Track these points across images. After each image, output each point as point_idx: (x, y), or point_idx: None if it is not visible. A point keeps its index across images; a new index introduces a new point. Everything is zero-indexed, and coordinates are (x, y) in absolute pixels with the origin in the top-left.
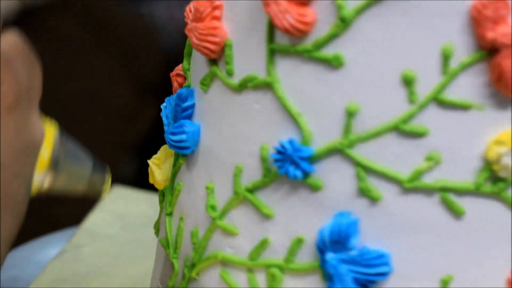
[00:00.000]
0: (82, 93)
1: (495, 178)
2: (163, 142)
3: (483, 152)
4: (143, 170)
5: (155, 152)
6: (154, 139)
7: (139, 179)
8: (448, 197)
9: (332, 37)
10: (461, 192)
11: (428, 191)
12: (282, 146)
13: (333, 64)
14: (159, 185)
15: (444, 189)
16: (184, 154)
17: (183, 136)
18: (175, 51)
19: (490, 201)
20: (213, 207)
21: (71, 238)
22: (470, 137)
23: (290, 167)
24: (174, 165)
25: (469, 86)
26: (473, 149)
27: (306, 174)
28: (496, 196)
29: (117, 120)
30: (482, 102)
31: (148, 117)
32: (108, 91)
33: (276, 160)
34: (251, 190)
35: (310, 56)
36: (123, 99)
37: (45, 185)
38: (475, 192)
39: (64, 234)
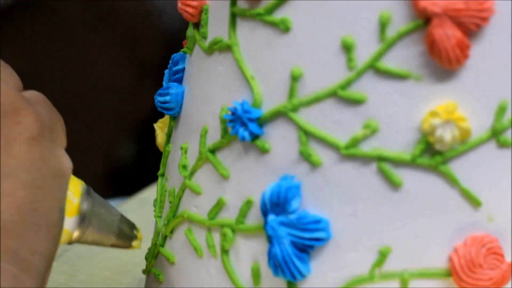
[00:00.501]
0: (83, 75)
1: (432, 151)
2: None
3: (419, 123)
4: (142, 152)
5: (154, 135)
6: (154, 122)
7: (138, 160)
8: (384, 166)
9: (281, 2)
10: (397, 162)
11: (365, 159)
12: (234, 108)
13: (281, 28)
14: (161, 148)
15: (380, 158)
16: (173, 116)
17: (167, 98)
18: (176, 33)
19: (428, 174)
20: (184, 167)
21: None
22: (408, 107)
23: (240, 128)
24: (168, 127)
25: (406, 56)
26: (410, 120)
27: (254, 136)
28: (433, 169)
29: (117, 102)
30: (419, 72)
31: (148, 99)
32: (108, 73)
33: (229, 121)
34: (212, 151)
35: (262, 20)
36: (123, 81)
37: (75, 234)
38: (412, 163)
39: None
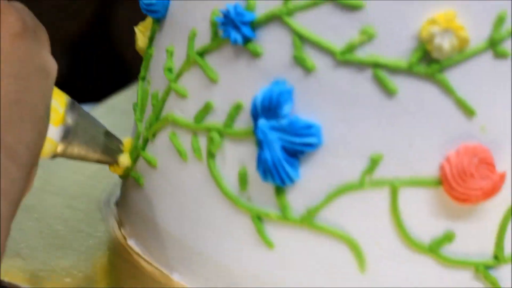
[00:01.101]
0: None
1: (429, 59)
2: (101, 42)
3: (417, 31)
4: (74, 67)
5: (89, 51)
6: (91, 38)
7: (69, 75)
8: (380, 73)
9: None
10: (393, 70)
11: (360, 65)
12: (227, 10)
13: None
14: (141, 51)
15: (376, 65)
16: (156, 19)
17: (153, 0)
18: None
19: (423, 82)
20: (170, 70)
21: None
22: (406, 14)
23: (232, 31)
24: (150, 30)
25: None
26: (408, 28)
27: (246, 39)
28: (430, 77)
29: (57, 14)
30: None
31: (89, 14)
32: None
33: (221, 24)
34: (201, 54)
35: None
36: None
37: (60, 147)
38: (408, 71)
39: None
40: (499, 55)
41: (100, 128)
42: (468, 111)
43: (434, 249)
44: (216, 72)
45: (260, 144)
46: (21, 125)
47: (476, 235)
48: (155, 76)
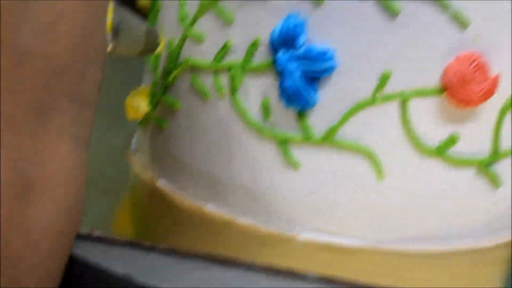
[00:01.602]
0: None
1: None
2: None
3: None
4: None
5: None
6: None
7: None
8: None
9: None
10: None
11: None
12: None
13: None
14: (145, 7)
15: None
16: None
17: None
18: None
19: (421, 1)
20: (183, 19)
21: None
22: None
23: None
24: None
25: None
26: None
27: None
28: None
29: None
30: None
31: None
32: None
33: None
34: None
35: None
36: None
37: (109, 47)
38: None
39: None
40: None
41: (142, 24)
42: (462, 24)
43: (441, 151)
44: (231, 13)
45: (281, 74)
46: (90, 70)
47: (476, 135)
48: (167, 27)
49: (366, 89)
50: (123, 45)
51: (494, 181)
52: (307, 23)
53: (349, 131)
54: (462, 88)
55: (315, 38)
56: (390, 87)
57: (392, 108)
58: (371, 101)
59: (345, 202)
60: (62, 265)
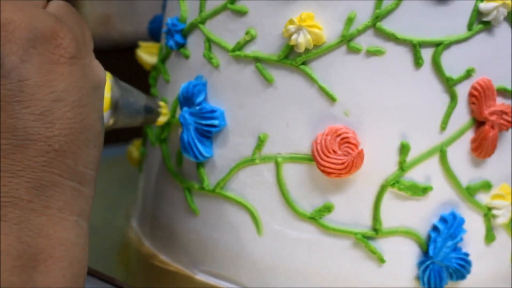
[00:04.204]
0: None
1: (295, 54)
2: None
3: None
4: None
5: None
6: None
7: None
8: (260, 66)
9: None
10: (269, 62)
11: (246, 60)
12: (168, 22)
13: None
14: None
15: (257, 59)
16: None
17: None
18: None
19: (292, 72)
20: None
21: None
22: (277, 17)
23: (170, 39)
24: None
25: None
26: (278, 28)
27: (179, 45)
28: (295, 68)
29: None
30: None
31: None
32: None
33: (165, 34)
34: (162, 60)
35: None
36: None
37: (110, 122)
38: (279, 63)
39: None
40: (352, 50)
41: (141, 97)
42: (330, 97)
43: (316, 217)
44: (169, 74)
45: (182, 127)
46: (87, 149)
47: (353, 208)
48: None
49: (247, 148)
50: (123, 119)
51: (377, 256)
52: (207, 85)
53: (235, 186)
54: (326, 158)
55: (211, 98)
56: (267, 149)
57: (269, 169)
58: (251, 160)
59: (230, 250)
60: None
